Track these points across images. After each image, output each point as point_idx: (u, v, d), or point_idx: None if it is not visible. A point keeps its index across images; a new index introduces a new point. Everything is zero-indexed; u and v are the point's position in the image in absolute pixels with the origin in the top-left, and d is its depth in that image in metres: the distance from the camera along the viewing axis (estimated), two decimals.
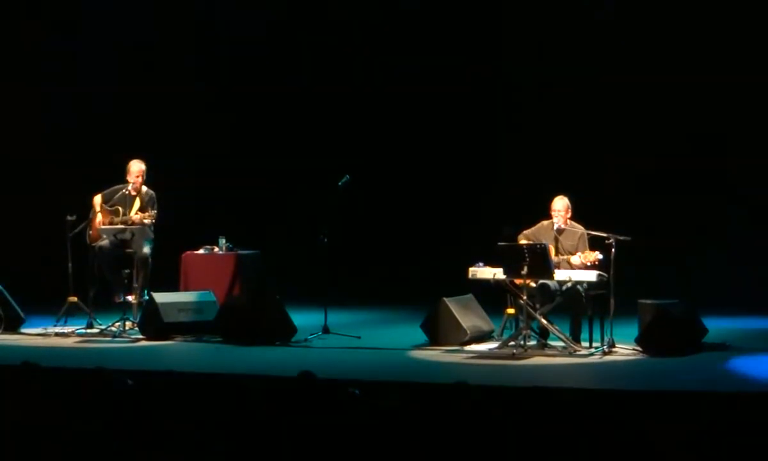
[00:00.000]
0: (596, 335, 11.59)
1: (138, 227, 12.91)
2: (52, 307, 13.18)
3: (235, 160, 16.50)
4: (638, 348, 11.40)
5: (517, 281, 11.42)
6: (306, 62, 16.63)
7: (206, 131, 16.54)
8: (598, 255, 11.36)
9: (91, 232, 13.19)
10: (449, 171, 16.06)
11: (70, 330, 12.84)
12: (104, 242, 13.02)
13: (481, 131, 16.12)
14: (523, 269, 11.16)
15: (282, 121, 16.64)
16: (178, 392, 7.22)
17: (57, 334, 12.76)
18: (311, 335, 12.35)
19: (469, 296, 12.41)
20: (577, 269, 11.48)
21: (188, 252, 13.86)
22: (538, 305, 11.50)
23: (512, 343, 11.41)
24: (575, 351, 11.34)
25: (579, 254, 11.51)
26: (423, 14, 16.29)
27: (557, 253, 11.69)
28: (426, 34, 16.22)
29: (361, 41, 16.47)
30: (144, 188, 13.19)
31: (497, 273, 11.49)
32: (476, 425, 6.39)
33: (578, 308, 11.56)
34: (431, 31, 16.23)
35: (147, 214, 12.95)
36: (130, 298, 12.88)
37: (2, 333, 12.77)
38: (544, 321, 11.52)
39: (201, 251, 13.86)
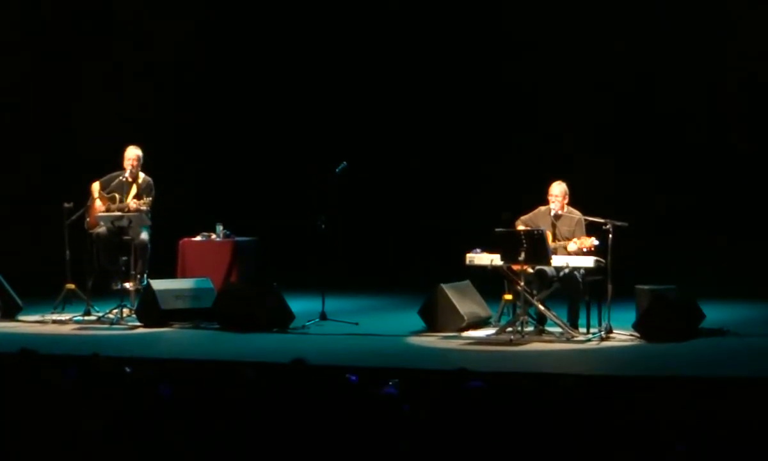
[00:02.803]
0: (594, 320, 11.60)
1: (135, 214, 12.89)
2: (49, 294, 13.18)
3: (233, 148, 16.50)
4: (636, 334, 11.41)
5: (515, 267, 11.42)
6: (305, 56, 16.58)
7: (204, 121, 16.53)
8: (593, 241, 11.33)
9: (88, 219, 13.18)
10: (447, 157, 16.03)
11: (67, 317, 12.83)
12: (102, 229, 13.01)
13: (479, 119, 16.08)
14: (520, 255, 11.16)
15: (281, 111, 16.60)
16: (176, 379, 7.22)
17: (54, 321, 12.75)
18: (309, 321, 12.35)
19: (467, 282, 12.41)
20: (574, 255, 11.48)
21: (186, 239, 13.85)
22: (535, 291, 11.49)
23: (510, 329, 11.42)
24: (572, 336, 11.35)
25: (575, 240, 11.49)
26: (423, 4, 16.26)
27: (554, 239, 11.68)
28: (425, 28, 16.18)
29: (361, 36, 16.43)
30: (142, 175, 13.16)
31: (494, 259, 11.48)
32: (474, 412, 6.39)
33: (576, 294, 11.56)
34: (430, 22, 16.19)
35: (143, 201, 12.93)
36: (127, 285, 12.88)
37: (0, 321, 12.79)
38: (541, 307, 11.51)
39: (198, 237, 13.85)
